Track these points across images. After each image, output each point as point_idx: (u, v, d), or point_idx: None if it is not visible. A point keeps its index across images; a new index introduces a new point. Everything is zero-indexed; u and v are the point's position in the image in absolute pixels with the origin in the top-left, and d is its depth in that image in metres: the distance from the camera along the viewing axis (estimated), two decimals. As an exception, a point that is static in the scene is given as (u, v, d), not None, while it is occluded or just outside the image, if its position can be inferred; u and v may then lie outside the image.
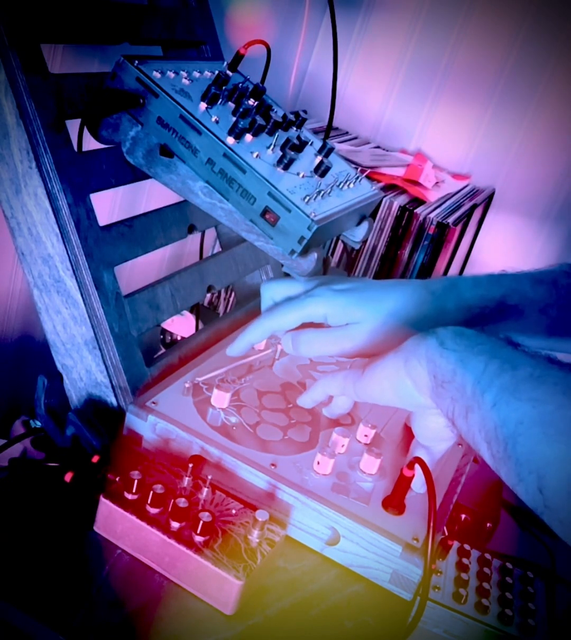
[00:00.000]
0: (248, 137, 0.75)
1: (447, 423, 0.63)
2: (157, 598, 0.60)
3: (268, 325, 0.75)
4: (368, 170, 1.64)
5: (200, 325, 1.10)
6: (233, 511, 0.64)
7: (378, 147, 1.93)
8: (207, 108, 0.75)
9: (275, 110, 0.82)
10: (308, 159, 0.80)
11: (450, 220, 1.54)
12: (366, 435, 0.77)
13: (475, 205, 1.71)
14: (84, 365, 0.73)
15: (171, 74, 0.76)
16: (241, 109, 0.77)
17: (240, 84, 0.81)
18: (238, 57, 0.81)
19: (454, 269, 1.79)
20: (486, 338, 0.60)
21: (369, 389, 0.68)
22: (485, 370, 0.56)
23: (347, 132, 1.95)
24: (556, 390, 0.52)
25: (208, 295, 1.23)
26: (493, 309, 0.72)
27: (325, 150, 0.82)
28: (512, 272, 0.74)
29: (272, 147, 0.76)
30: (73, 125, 0.73)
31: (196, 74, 0.80)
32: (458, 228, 1.56)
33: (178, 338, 1.37)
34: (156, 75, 0.73)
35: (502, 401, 0.54)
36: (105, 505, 0.63)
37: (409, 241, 1.56)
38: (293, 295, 0.76)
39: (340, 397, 0.75)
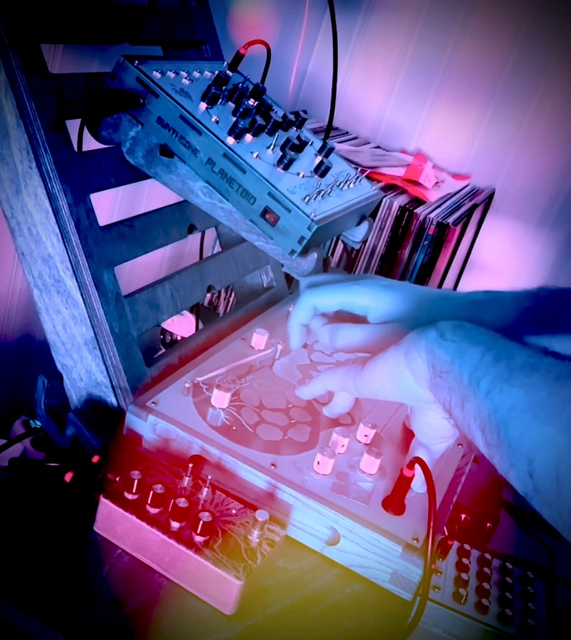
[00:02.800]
0: (248, 137, 0.75)
1: (444, 414, 0.63)
2: (157, 598, 0.60)
3: (311, 301, 0.75)
4: (368, 170, 1.64)
5: (200, 325, 1.10)
6: (233, 511, 0.64)
7: (378, 147, 1.93)
8: (207, 108, 0.74)
9: (275, 110, 0.82)
10: (308, 159, 0.80)
11: (450, 220, 1.54)
12: (366, 435, 0.77)
13: (475, 205, 1.71)
14: (84, 365, 0.73)
15: (171, 74, 0.76)
16: (241, 109, 0.76)
17: (240, 84, 0.81)
18: (238, 57, 0.81)
19: (454, 269, 1.79)
20: (484, 330, 0.61)
21: (369, 383, 0.68)
22: (482, 360, 0.57)
23: (347, 132, 1.95)
24: (550, 376, 0.53)
25: (208, 295, 1.23)
26: (529, 322, 0.72)
27: (325, 150, 0.82)
28: (548, 287, 0.75)
29: (272, 147, 0.76)
30: (73, 125, 0.73)
31: (196, 74, 0.80)
32: (458, 228, 1.56)
33: (178, 338, 1.37)
34: (156, 75, 0.73)
35: (496, 388, 0.54)
36: (105, 505, 0.63)
37: (409, 241, 1.56)
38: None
39: (340, 395, 0.75)
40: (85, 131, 0.75)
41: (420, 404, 0.67)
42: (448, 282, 1.71)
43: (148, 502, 0.62)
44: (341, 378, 0.71)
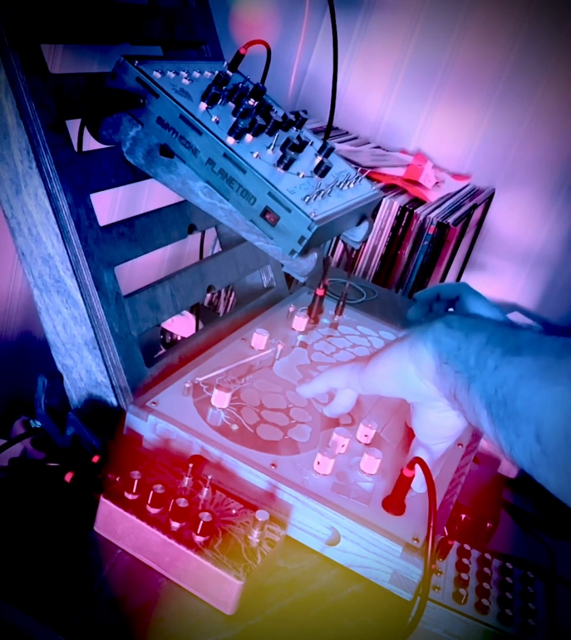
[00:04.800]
0: (248, 137, 0.75)
1: (447, 403, 0.64)
2: (157, 598, 0.60)
3: (438, 287, 0.82)
4: (368, 170, 1.64)
5: (200, 325, 1.10)
6: (234, 511, 0.64)
7: (378, 147, 1.93)
8: (207, 108, 0.74)
9: (275, 110, 0.82)
10: (309, 159, 0.80)
11: (450, 220, 1.54)
12: (366, 436, 0.77)
13: (475, 205, 1.71)
14: (84, 365, 0.73)
15: (171, 74, 0.76)
16: (241, 109, 0.76)
17: (241, 84, 0.81)
18: (238, 57, 0.81)
19: (454, 269, 1.79)
20: (490, 319, 0.63)
21: (373, 378, 0.69)
22: (489, 341, 0.58)
23: (347, 132, 1.95)
24: (557, 345, 0.54)
25: (208, 295, 1.23)
26: None
27: (325, 150, 0.82)
28: None
29: (272, 147, 0.76)
30: (73, 125, 0.73)
31: (196, 74, 0.80)
32: (458, 228, 1.56)
33: (178, 338, 1.37)
34: (156, 75, 0.73)
35: (504, 362, 0.56)
36: (105, 505, 0.63)
37: (409, 241, 1.56)
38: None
39: (342, 395, 0.75)
40: (85, 131, 0.75)
41: (421, 400, 0.67)
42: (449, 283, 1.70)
43: (149, 502, 0.62)
44: (346, 375, 0.72)
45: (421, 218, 1.53)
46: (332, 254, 1.61)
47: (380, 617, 0.64)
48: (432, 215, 1.54)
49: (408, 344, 0.65)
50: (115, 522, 0.63)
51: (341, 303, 1.02)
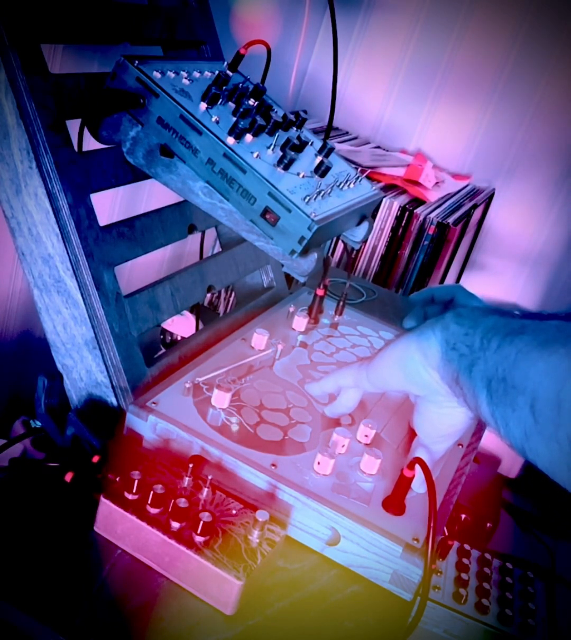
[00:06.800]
0: (248, 137, 0.75)
1: (448, 392, 0.64)
2: (157, 598, 0.60)
3: (432, 290, 0.83)
4: (368, 170, 1.64)
5: (200, 325, 1.10)
6: (234, 511, 0.64)
7: (378, 147, 1.93)
8: (207, 108, 0.74)
9: (275, 110, 0.82)
10: (309, 159, 0.80)
11: (450, 220, 1.54)
12: (366, 436, 0.77)
13: (475, 205, 1.71)
14: (84, 365, 0.73)
15: (171, 74, 0.75)
16: (241, 109, 0.76)
17: (241, 84, 0.81)
18: (238, 57, 0.81)
19: (454, 269, 1.79)
20: (498, 310, 0.64)
21: (380, 369, 0.69)
22: (495, 324, 0.60)
23: (347, 132, 1.95)
24: (558, 322, 0.56)
25: (208, 295, 1.23)
26: None
27: (325, 150, 0.82)
28: None
29: (272, 147, 0.76)
30: (73, 125, 0.73)
31: (196, 74, 0.80)
32: (458, 228, 1.56)
33: (178, 338, 1.37)
34: (156, 75, 0.73)
35: (507, 341, 0.57)
36: (106, 505, 0.63)
37: (409, 241, 1.56)
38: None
39: (345, 395, 0.75)
40: (85, 131, 0.75)
41: (423, 392, 0.67)
42: (448, 282, 1.70)
43: (149, 502, 0.62)
44: (354, 372, 0.72)
45: (421, 218, 1.53)
46: (332, 254, 1.61)
47: (380, 617, 0.64)
48: (432, 215, 1.54)
49: (416, 334, 0.66)
50: (115, 522, 0.63)
51: (341, 303, 1.02)
